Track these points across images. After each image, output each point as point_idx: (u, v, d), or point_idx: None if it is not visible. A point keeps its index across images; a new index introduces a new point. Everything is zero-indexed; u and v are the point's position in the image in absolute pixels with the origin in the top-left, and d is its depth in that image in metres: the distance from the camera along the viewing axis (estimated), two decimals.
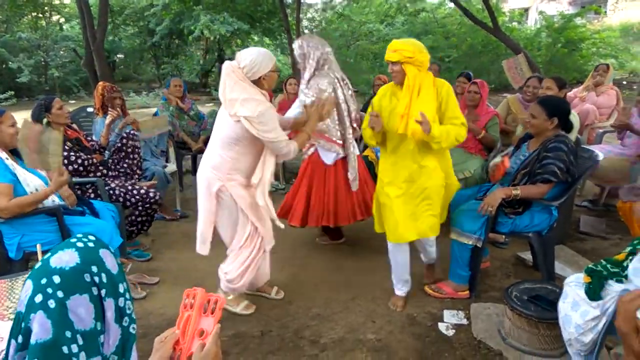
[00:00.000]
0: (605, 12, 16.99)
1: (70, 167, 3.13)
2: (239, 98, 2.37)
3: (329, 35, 14.51)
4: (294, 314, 2.76)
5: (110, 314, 0.95)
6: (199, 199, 2.64)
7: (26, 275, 2.05)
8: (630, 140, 3.78)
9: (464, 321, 2.64)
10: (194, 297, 1.15)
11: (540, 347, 2.33)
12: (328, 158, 3.23)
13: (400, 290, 2.83)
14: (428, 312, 2.74)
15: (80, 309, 0.90)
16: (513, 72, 4.84)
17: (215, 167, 2.53)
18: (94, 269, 0.94)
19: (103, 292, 0.94)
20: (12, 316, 1.79)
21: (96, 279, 0.93)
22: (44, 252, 2.13)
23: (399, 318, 2.69)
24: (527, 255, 3.28)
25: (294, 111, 3.08)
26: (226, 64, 2.44)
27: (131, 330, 1.00)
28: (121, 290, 0.98)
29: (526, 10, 21.14)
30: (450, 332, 2.55)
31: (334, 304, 2.86)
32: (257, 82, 2.46)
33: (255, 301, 2.86)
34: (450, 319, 2.66)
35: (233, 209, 2.57)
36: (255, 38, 15.62)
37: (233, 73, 2.41)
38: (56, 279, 0.90)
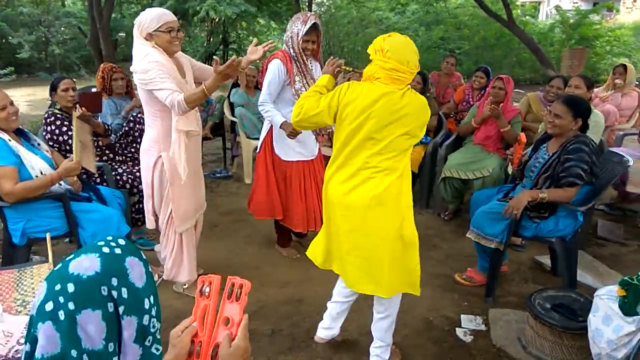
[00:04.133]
0: (619, 9, 16.71)
1: None
2: (134, 55, 2.37)
3: (337, 21, 14.21)
4: (305, 312, 2.67)
5: (128, 333, 0.85)
6: None
7: (34, 268, 1.96)
8: None
9: (482, 327, 2.55)
10: (210, 283, 1.07)
11: (564, 358, 2.25)
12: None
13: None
14: (444, 316, 2.64)
15: (90, 326, 0.80)
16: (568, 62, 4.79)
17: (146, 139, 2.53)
18: (114, 281, 0.82)
19: (121, 309, 0.83)
20: (21, 309, 1.70)
21: (114, 293, 0.82)
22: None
23: (414, 322, 2.59)
24: (545, 260, 3.19)
25: None
26: None
27: (154, 350, 0.89)
28: (146, 306, 0.87)
29: (539, 4, 20.86)
30: (468, 338, 2.46)
31: None
32: (150, 40, 2.36)
33: (264, 298, 2.77)
34: (468, 324, 2.57)
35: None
36: (262, 21, 15.30)
37: (134, 32, 2.40)
38: (70, 287, 0.79)
